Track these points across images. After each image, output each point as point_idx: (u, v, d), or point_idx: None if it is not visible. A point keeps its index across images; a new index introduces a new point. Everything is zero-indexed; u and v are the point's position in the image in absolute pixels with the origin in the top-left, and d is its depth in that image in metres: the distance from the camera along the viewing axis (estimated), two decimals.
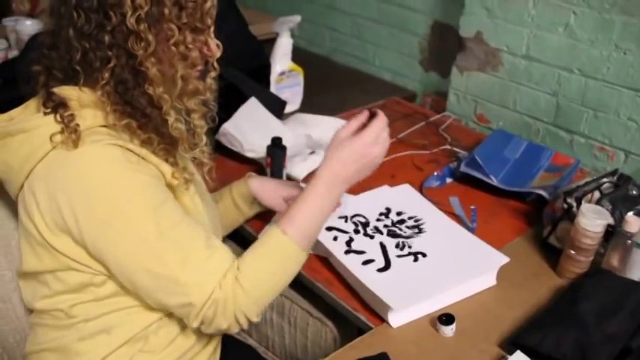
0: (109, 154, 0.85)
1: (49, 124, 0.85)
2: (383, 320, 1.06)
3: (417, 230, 1.25)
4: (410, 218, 1.28)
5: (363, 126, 1.00)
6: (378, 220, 1.27)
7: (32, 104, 0.92)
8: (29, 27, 1.99)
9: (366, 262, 1.14)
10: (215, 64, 0.93)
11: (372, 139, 0.98)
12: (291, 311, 1.25)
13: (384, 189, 1.39)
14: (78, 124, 0.84)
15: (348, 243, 1.19)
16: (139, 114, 0.87)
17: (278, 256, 0.93)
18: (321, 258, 1.21)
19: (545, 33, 1.62)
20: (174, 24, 0.85)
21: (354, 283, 1.12)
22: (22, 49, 1.86)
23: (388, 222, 1.27)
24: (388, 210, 1.31)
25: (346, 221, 1.25)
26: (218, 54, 0.93)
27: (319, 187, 0.97)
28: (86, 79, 0.87)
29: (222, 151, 1.58)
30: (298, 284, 1.22)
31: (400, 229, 1.25)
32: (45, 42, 0.90)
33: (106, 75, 0.85)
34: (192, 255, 0.86)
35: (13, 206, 1.00)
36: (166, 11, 0.84)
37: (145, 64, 0.85)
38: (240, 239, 1.34)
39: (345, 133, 0.99)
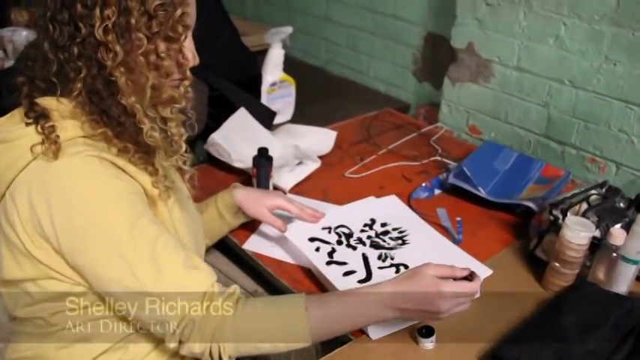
0: (88, 165, 0.85)
1: (30, 134, 0.85)
2: (362, 332, 1.05)
3: (400, 242, 1.24)
4: (394, 229, 1.27)
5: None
6: (361, 231, 1.27)
7: (17, 114, 0.92)
8: (25, 37, 2.02)
9: (347, 274, 1.14)
10: (187, 72, 0.92)
11: (450, 294, 0.93)
12: None
13: (370, 200, 1.38)
14: (58, 136, 0.85)
15: (330, 254, 1.18)
16: (114, 122, 0.87)
17: (287, 325, 0.90)
18: (303, 269, 1.21)
19: (535, 44, 1.61)
20: (142, 33, 0.84)
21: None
22: (14, 63, 1.88)
23: (372, 233, 1.26)
24: (373, 221, 1.30)
25: (330, 232, 1.25)
26: (192, 63, 0.92)
27: (372, 297, 0.94)
28: (62, 90, 0.87)
29: (211, 161, 1.58)
30: (280, 293, 1.21)
31: (384, 241, 1.24)
32: (28, 54, 0.90)
33: (79, 85, 0.85)
34: (168, 270, 0.86)
35: None
36: (133, 21, 0.83)
37: (115, 74, 0.84)
38: (225, 249, 1.34)
39: (433, 272, 0.94)
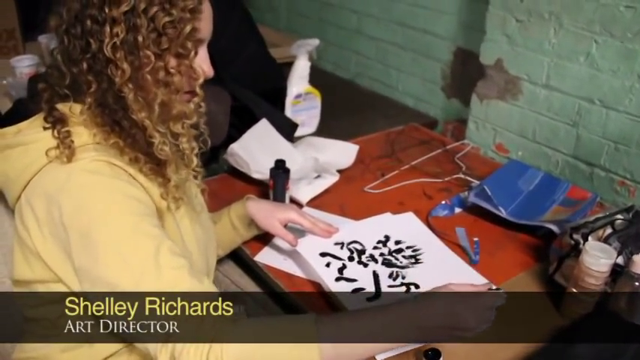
0: (99, 168, 0.86)
1: (46, 138, 0.87)
2: None
3: (413, 260, 1.21)
4: (408, 248, 1.25)
5: None
6: (374, 247, 1.25)
7: (38, 119, 0.95)
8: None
9: (355, 291, 1.12)
10: (198, 88, 0.92)
11: (475, 305, 0.89)
12: None
13: (386, 216, 1.36)
14: (72, 141, 0.87)
15: (341, 270, 1.17)
16: (125, 134, 0.89)
17: (289, 337, 0.82)
18: (314, 283, 1.19)
19: (565, 62, 1.57)
20: (151, 51, 0.85)
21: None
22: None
23: (385, 250, 1.24)
24: (387, 238, 1.28)
25: (342, 248, 1.23)
26: (207, 75, 0.93)
27: (392, 313, 0.87)
28: (76, 100, 0.89)
29: (232, 171, 1.59)
30: (287, 308, 1.21)
31: (396, 259, 1.22)
32: (52, 63, 0.92)
33: (89, 100, 0.87)
34: (169, 271, 0.84)
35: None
36: (141, 39, 0.84)
37: (124, 90, 0.85)
38: (239, 260, 1.34)
39: (456, 288, 0.90)
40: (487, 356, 1.03)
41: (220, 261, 1.29)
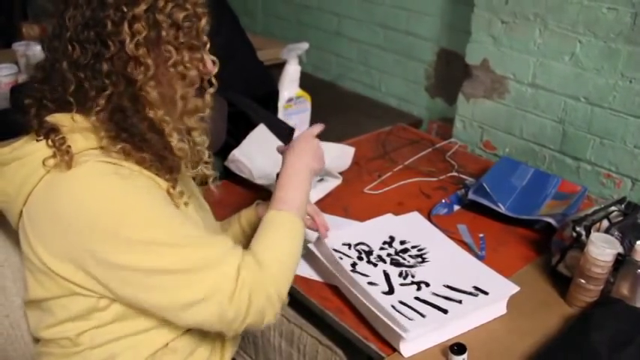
0: (102, 169, 0.85)
1: (42, 149, 0.86)
2: (394, 349, 1.06)
3: (420, 259, 1.24)
4: (413, 247, 1.28)
5: None
6: (381, 248, 1.27)
7: (31, 136, 0.92)
8: (39, 52, 2.01)
9: (370, 284, 1.14)
10: (213, 80, 0.95)
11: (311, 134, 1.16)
12: (300, 339, 1.24)
13: (389, 217, 1.39)
14: (69, 146, 0.85)
15: (353, 265, 1.19)
16: (137, 139, 0.88)
17: (283, 229, 0.99)
18: (331, 286, 1.21)
19: (551, 61, 1.64)
20: (172, 45, 0.87)
21: (365, 306, 1.11)
22: (30, 77, 1.89)
23: (391, 251, 1.27)
24: (392, 239, 1.31)
25: (349, 248, 1.26)
26: (215, 70, 0.95)
27: (287, 170, 1.08)
28: (79, 109, 0.88)
29: (230, 177, 1.59)
30: (307, 312, 1.23)
31: (403, 259, 1.24)
32: (37, 76, 0.91)
33: (102, 102, 0.86)
34: (206, 243, 0.89)
35: None
36: (164, 33, 0.86)
37: (145, 89, 0.87)
38: None
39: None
40: (507, 349, 1.07)
41: None
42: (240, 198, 1.52)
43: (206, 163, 1.03)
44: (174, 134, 0.91)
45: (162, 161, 0.91)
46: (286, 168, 1.09)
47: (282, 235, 0.99)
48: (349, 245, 1.27)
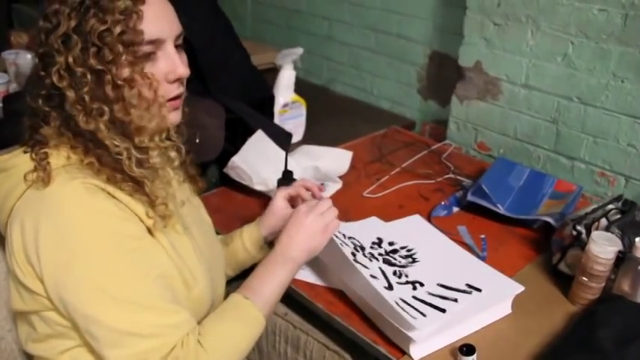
0: (78, 194, 0.83)
1: (26, 162, 0.86)
2: (403, 352, 1.06)
3: (410, 260, 1.24)
4: (402, 248, 1.28)
5: None
6: (371, 247, 1.27)
7: (24, 147, 0.92)
8: (30, 60, 2.00)
9: (372, 277, 1.13)
10: (160, 98, 0.88)
11: (306, 208, 1.07)
12: (307, 345, 1.24)
13: (373, 220, 1.39)
14: (49, 162, 0.85)
15: (353, 255, 1.17)
16: (97, 154, 0.87)
17: (240, 320, 0.96)
18: (336, 291, 1.22)
19: (543, 62, 1.66)
20: (86, 67, 0.82)
21: (371, 306, 1.11)
22: (24, 86, 1.87)
23: (382, 251, 1.26)
24: (380, 240, 1.30)
25: (345, 238, 1.23)
26: (181, 74, 0.90)
27: (275, 256, 1.04)
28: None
29: (228, 184, 1.59)
30: (314, 316, 1.23)
31: (394, 259, 1.24)
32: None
33: (54, 124, 0.87)
34: (154, 309, 0.85)
35: None
36: (71, 59, 0.82)
37: (73, 114, 0.84)
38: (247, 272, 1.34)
39: (283, 202, 1.16)
40: (515, 348, 1.09)
41: (231, 281, 1.27)
42: (238, 205, 1.52)
43: (192, 181, 1.04)
44: (123, 153, 0.87)
45: (130, 179, 0.88)
46: (275, 253, 1.04)
47: (237, 327, 0.95)
48: (344, 235, 1.23)
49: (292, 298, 1.26)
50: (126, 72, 0.84)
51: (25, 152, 0.87)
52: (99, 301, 0.82)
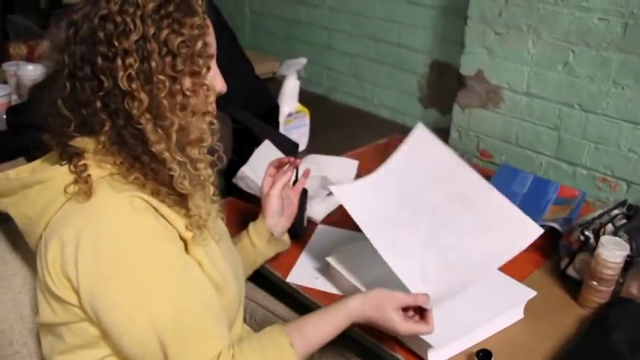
0: (123, 208, 0.84)
1: (64, 174, 0.85)
2: (420, 358, 1.08)
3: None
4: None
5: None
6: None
7: (53, 155, 0.92)
8: (31, 72, 2.01)
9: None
10: (213, 106, 0.91)
11: (401, 327, 1.01)
12: (322, 353, 1.25)
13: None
14: (89, 175, 0.85)
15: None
16: (147, 168, 0.87)
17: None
18: None
19: (545, 70, 1.69)
20: (165, 75, 0.84)
21: None
22: (28, 98, 1.87)
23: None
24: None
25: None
26: (221, 90, 0.93)
27: (343, 317, 1.00)
28: (89, 136, 0.88)
29: (234, 194, 1.60)
30: None
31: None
32: (47, 111, 0.90)
33: (102, 139, 0.85)
34: (190, 331, 0.85)
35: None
36: (154, 64, 0.83)
37: (141, 122, 0.84)
38: (262, 282, 1.35)
39: (395, 306, 1.01)
40: (531, 352, 1.10)
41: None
42: (245, 215, 1.52)
43: (213, 199, 0.99)
44: (175, 168, 0.87)
45: (175, 192, 0.88)
46: (349, 307, 1.00)
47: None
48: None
49: (306, 306, 1.27)
50: (189, 82, 0.86)
51: (62, 164, 0.86)
52: (139, 319, 0.83)
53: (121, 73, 0.81)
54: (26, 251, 1.04)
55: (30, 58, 2.25)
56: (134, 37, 0.81)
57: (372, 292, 1.03)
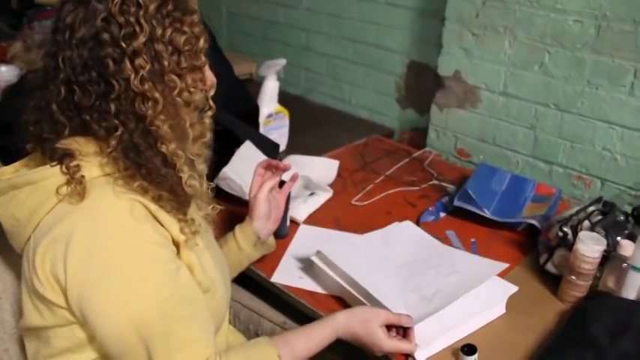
0: (119, 211, 0.83)
1: (56, 175, 0.84)
2: (407, 355, 1.09)
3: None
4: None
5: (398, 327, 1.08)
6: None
7: (36, 157, 0.91)
8: (5, 73, 1.97)
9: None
10: (210, 102, 0.93)
11: (386, 344, 1.05)
12: None
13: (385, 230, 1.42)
14: (83, 176, 0.84)
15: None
16: (154, 174, 0.86)
17: None
18: (336, 298, 1.24)
19: (521, 71, 1.73)
20: (175, 73, 0.85)
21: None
22: (1, 100, 1.83)
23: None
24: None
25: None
26: (214, 87, 0.93)
27: (329, 331, 1.03)
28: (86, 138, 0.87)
29: (220, 195, 1.59)
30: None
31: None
32: (30, 119, 0.88)
33: (113, 142, 0.84)
34: (175, 336, 0.86)
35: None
36: (166, 63, 0.83)
37: (156, 123, 0.84)
38: (247, 283, 1.35)
39: (381, 323, 1.05)
40: (514, 345, 1.13)
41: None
42: (228, 216, 1.52)
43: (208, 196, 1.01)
44: (185, 169, 0.88)
45: (177, 198, 0.88)
46: (335, 321, 1.04)
47: None
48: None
49: (291, 306, 1.27)
50: (190, 79, 0.87)
51: (52, 165, 0.85)
52: (121, 319, 0.82)
53: (132, 75, 0.81)
54: (7, 255, 1.02)
55: (1, 59, 2.20)
56: (142, 38, 0.81)
57: (358, 308, 1.08)
